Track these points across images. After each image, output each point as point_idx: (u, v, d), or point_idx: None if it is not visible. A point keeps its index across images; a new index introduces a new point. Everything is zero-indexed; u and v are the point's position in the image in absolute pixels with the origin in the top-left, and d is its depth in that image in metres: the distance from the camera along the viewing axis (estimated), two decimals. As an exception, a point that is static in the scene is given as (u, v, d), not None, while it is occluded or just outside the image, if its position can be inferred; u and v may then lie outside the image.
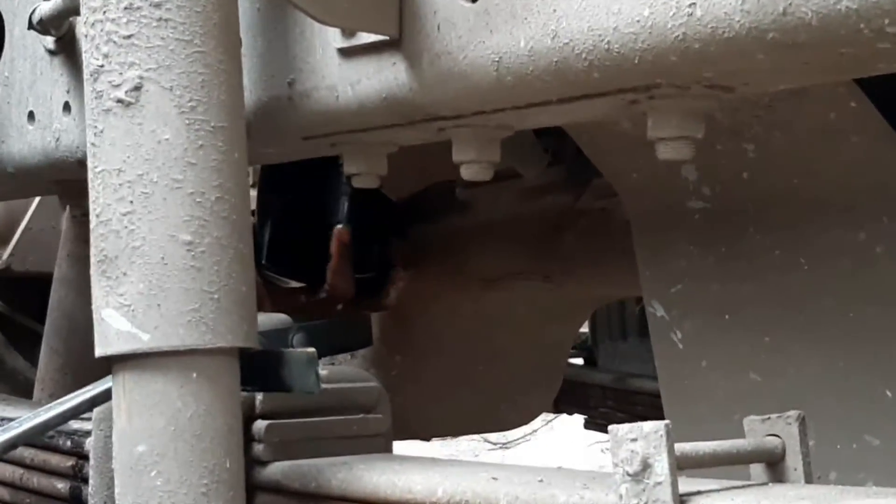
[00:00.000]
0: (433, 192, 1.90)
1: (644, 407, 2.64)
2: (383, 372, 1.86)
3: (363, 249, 1.89)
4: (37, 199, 2.72)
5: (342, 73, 1.06)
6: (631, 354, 3.06)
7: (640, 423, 0.82)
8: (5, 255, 2.75)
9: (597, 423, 2.93)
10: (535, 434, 7.00)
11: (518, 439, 7.03)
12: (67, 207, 2.11)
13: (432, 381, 2.11)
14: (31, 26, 1.35)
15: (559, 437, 6.86)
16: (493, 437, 6.99)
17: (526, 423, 2.41)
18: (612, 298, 2.54)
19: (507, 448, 7.06)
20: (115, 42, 0.98)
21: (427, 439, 2.45)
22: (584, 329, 3.11)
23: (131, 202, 0.97)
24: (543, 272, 1.82)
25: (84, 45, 1.00)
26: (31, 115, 1.47)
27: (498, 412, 2.25)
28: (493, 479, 0.98)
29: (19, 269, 2.71)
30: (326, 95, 1.08)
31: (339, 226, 1.77)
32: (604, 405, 2.86)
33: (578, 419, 3.21)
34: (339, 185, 1.86)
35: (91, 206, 1.00)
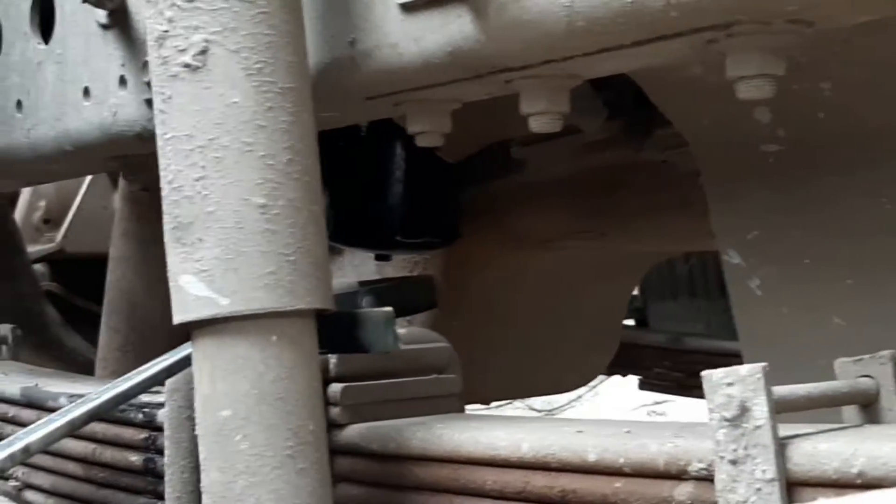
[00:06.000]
0: (488, 153, 1.88)
1: (701, 365, 2.61)
2: (442, 337, 1.85)
3: (419, 213, 1.88)
4: (87, 180, 2.73)
5: (405, 29, 1.05)
6: (682, 314, 3.04)
7: (735, 367, 0.81)
8: (59, 238, 2.77)
9: (652, 383, 2.92)
10: (581, 399, 6.99)
11: (563, 405, 7.02)
12: (120, 186, 2.12)
13: (490, 345, 2.10)
14: (85, 0, 1.35)
15: (604, 403, 6.85)
16: (537, 404, 6.99)
17: (585, 384, 2.39)
18: (670, 254, 2.52)
19: (552, 414, 7.06)
20: (178, 6, 0.97)
21: (486, 403, 2.44)
22: (634, 291, 3.09)
23: (203, 167, 0.97)
24: (602, 229, 1.80)
25: (147, 11, 1.00)
26: (86, 91, 1.47)
27: (557, 374, 2.23)
28: (579, 432, 0.97)
29: (72, 251, 2.74)
30: (389, 53, 1.07)
31: None
32: (659, 365, 2.84)
33: (623, 384, 3.19)
34: (393, 150, 1.85)
35: (162, 174, 1.00)
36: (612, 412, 6.69)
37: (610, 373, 2.90)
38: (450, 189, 1.93)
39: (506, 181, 1.91)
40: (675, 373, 2.77)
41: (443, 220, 1.92)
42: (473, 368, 2.03)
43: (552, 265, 2.06)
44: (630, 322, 3.00)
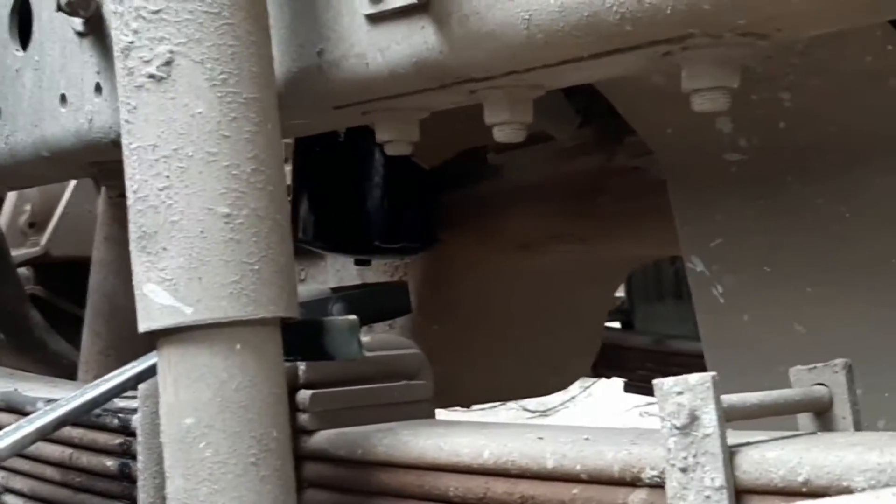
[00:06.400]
0: (465, 158, 1.89)
1: (684, 368, 2.62)
2: (421, 341, 1.87)
3: (398, 218, 1.89)
4: (72, 184, 2.74)
5: (371, 40, 1.06)
6: (667, 316, 3.05)
7: (685, 376, 0.82)
8: (43, 241, 2.78)
9: (637, 385, 2.93)
10: (574, 400, 6.99)
11: (557, 406, 7.04)
12: (103, 191, 2.13)
13: (470, 348, 2.11)
14: (59, 8, 1.36)
15: (597, 403, 6.85)
16: (531, 405, 6.99)
17: (565, 387, 2.41)
18: (648, 258, 2.53)
19: (546, 415, 7.07)
20: (144, 17, 0.98)
21: (467, 407, 2.46)
22: (620, 293, 3.11)
23: (167, 177, 0.98)
24: (579, 234, 1.81)
25: (113, 23, 1.01)
26: (62, 98, 1.48)
27: (537, 377, 2.25)
28: (539, 438, 0.98)
29: (57, 254, 2.75)
30: (356, 63, 1.08)
31: None
32: (643, 367, 2.85)
33: (616, 385, 3.20)
34: (371, 155, 1.86)
35: (127, 183, 1.01)
36: (605, 413, 6.70)
37: (595, 375, 2.91)
38: (428, 194, 1.94)
39: (484, 187, 1.92)
40: (659, 375, 2.77)
41: (421, 226, 1.93)
42: (454, 371, 2.05)
43: (533, 269, 2.08)
44: (616, 324, 3.01)
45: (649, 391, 2.92)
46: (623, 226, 1.74)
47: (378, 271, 2.08)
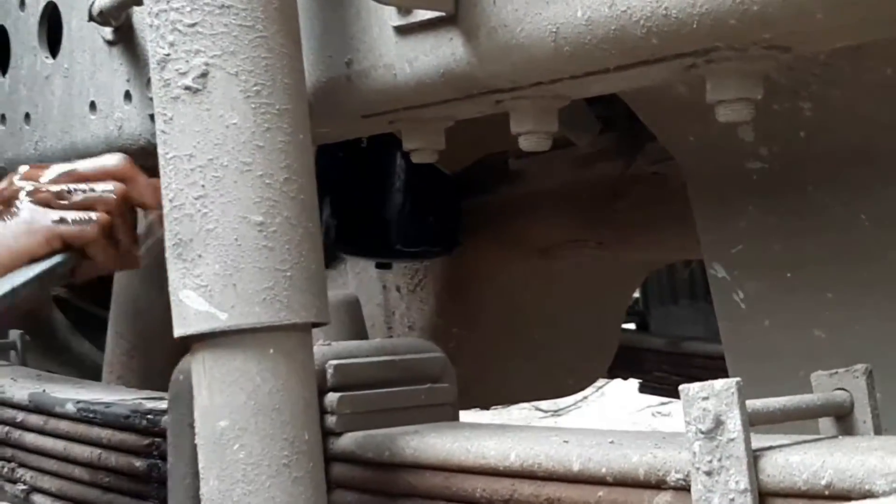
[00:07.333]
0: (486, 164, 1.92)
1: (699, 369, 2.66)
2: (441, 344, 1.89)
3: (419, 222, 1.92)
4: (94, 187, 2.76)
5: (399, 51, 1.08)
6: (682, 318, 3.07)
7: (711, 382, 0.84)
8: (66, 244, 2.81)
9: (652, 386, 2.95)
10: (587, 400, 7.01)
11: (569, 406, 7.05)
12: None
13: (489, 351, 2.13)
14: (91, 18, 1.38)
15: (610, 403, 6.87)
16: (544, 405, 7.01)
17: (583, 389, 2.43)
18: (666, 262, 2.55)
19: (558, 415, 7.08)
20: (179, 31, 1.01)
21: (486, 408, 2.48)
22: (635, 294, 3.13)
23: (203, 186, 1.00)
24: (598, 239, 1.83)
25: (149, 35, 1.03)
26: (92, 105, 1.51)
27: (555, 379, 2.27)
28: (565, 442, 1.00)
29: (81, 256, 2.77)
30: (384, 74, 1.10)
31: None
32: (658, 369, 2.88)
33: (629, 385, 3.23)
34: (393, 160, 1.89)
35: (164, 192, 1.03)
36: (618, 413, 6.70)
37: (611, 376, 2.93)
38: (449, 198, 1.97)
39: (505, 192, 1.95)
40: (674, 376, 2.81)
41: (442, 229, 1.95)
42: (473, 374, 2.07)
43: (551, 273, 2.10)
44: (631, 325, 3.04)
45: (664, 392, 2.97)
46: (643, 231, 1.76)
47: (398, 274, 2.11)
